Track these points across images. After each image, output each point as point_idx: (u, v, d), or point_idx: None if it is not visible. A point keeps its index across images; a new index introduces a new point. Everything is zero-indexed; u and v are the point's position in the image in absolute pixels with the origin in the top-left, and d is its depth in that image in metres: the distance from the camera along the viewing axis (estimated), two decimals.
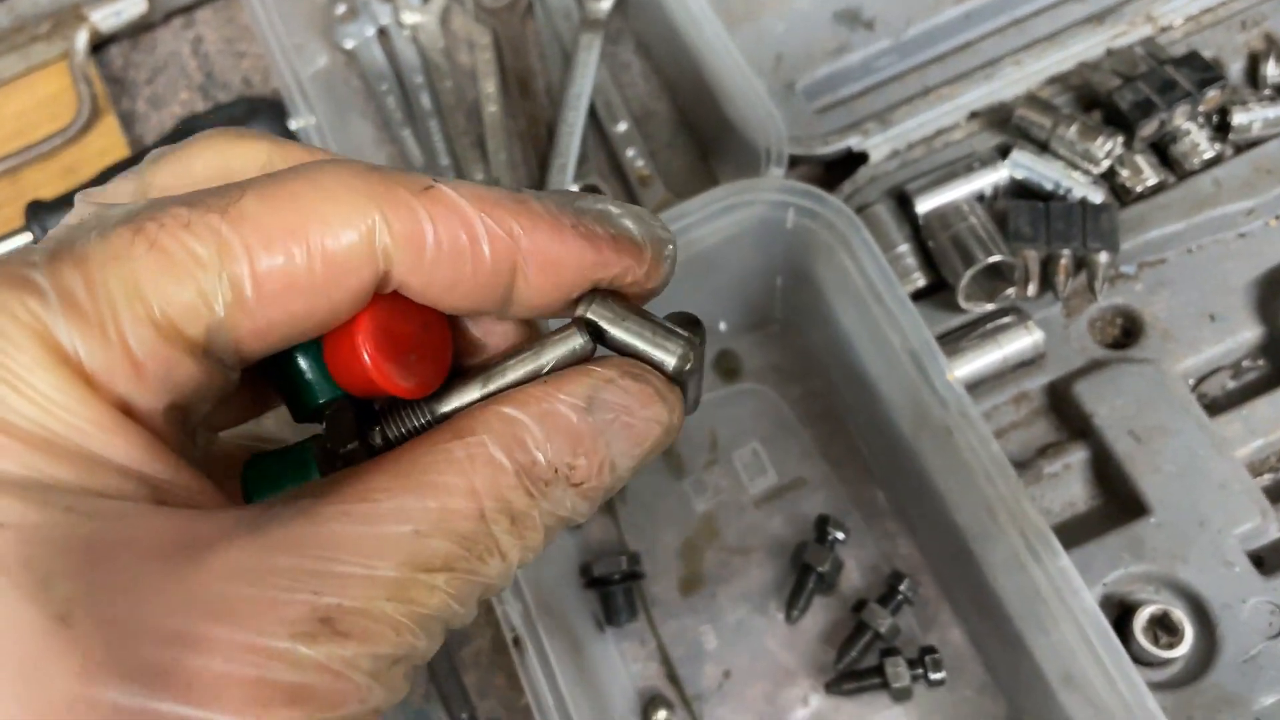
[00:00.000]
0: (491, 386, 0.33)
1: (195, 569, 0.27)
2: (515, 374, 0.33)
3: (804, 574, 0.68)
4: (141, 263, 0.28)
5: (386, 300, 0.31)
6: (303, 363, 0.34)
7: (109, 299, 0.28)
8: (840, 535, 0.69)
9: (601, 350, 0.34)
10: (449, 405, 0.33)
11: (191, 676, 0.26)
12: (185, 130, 0.83)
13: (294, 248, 0.29)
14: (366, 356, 0.31)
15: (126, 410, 0.29)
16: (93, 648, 0.25)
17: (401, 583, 0.28)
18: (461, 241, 0.30)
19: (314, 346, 0.33)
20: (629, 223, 0.33)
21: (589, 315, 0.33)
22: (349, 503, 0.29)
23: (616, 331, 0.33)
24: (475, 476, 0.30)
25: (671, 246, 0.35)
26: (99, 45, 0.93)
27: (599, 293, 0.33)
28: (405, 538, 0.29)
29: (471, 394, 0.33)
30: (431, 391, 0.33)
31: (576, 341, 0.33)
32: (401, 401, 0.33)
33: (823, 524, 0.69)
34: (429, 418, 0.33)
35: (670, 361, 0.33)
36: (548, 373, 0.33)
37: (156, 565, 0.27)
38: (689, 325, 0.34)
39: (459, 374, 0.34)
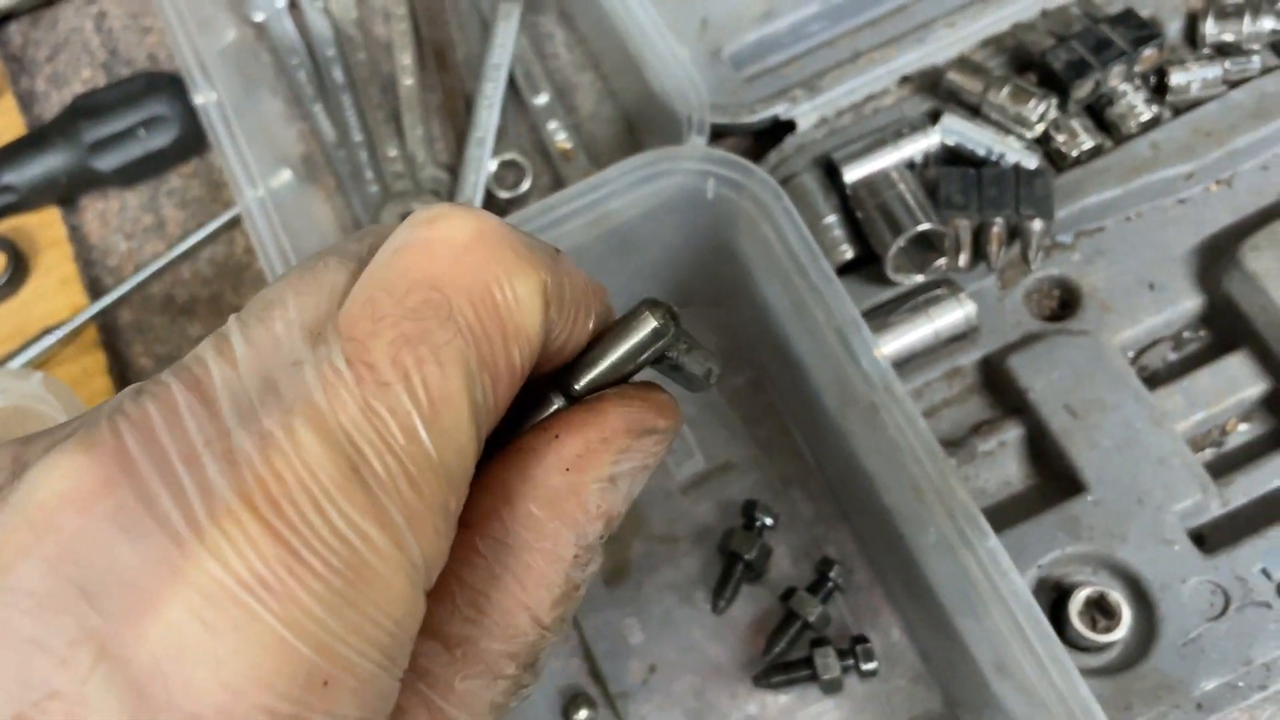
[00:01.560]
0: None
1: None
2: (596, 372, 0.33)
3: (731, 562, 0.65)
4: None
5: None
6: None
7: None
8: (768, 521, 0.66)
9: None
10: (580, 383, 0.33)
11: None
12: (80, 108, 0.78)
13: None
14: None
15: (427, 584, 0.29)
16: None
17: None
18: (580, 303, 0.31)
19: None
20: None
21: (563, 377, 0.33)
22: (436, 650, 0.30)
23: (595, 372, 0.33)
24: (531, 597, 0.31)
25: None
26: (1, 21, 0.88)
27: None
28: (491, 686, 0.31)
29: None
30: None
31: (556, 403, 0.33)
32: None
33: (750, 509, 0.66)
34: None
35: (653, 338, 0.33)
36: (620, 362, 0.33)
37: None
38: (662, 311, 0.34)
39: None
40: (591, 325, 0.32)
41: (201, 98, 0.73)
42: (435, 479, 0.27)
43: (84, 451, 0.26)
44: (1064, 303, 0.69)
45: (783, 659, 0.64)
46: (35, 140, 0.78)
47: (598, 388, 0.33)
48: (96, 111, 0.78)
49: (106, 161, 0.77)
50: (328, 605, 0.25)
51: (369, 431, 0.26)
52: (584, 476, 0.31)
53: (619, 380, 0.33)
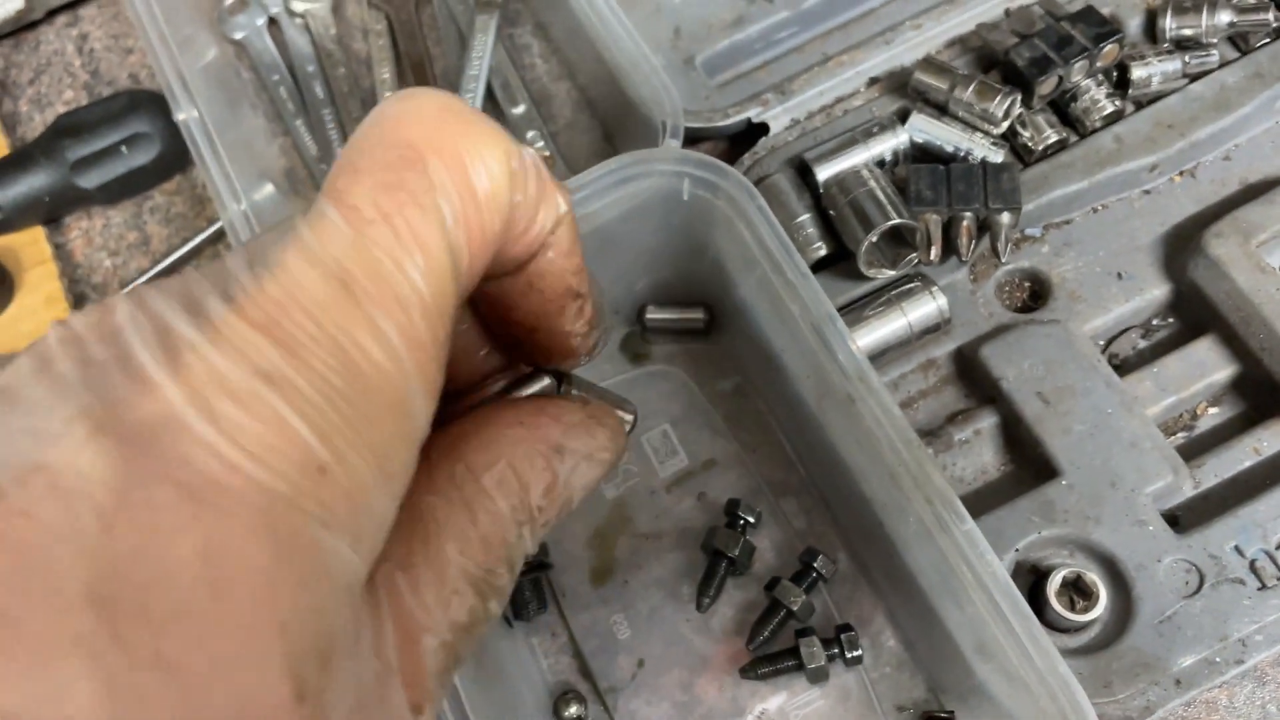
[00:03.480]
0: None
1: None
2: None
3: (714, 561, 0.66)
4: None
5: None
6: None
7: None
8: (751, 519, 0.67)
9: None
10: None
11: None
12: (62, 127, 0.79)
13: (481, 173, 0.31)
14: None
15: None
16: None
17: (448, 645, 0.33)
18: (543, 193, 0.33)
19: None
20: (596, 290, 0.39)
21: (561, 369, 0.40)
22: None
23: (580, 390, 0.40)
24: (481, 527, 0.33)
25: (604, 339, 0.41)
26: None
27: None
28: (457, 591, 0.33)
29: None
30: None
31: (543, 380, 0.39)
32: None
33: (733, 508, 0.67)
34: None
35: (628, 420, 0.41)
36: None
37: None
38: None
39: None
40: (550, 225, 0.34)
41: (183, 115, 0.74)
42: (422, 308, 0.29)
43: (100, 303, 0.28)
44: (1034, 294, 0.70)
45: (768, 650, 0.65)
46: (18, 160, 0.79)
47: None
48: (79, 130, 0.79)
49: (90, 179, 0.78)
50: (326, 397, 0.26)
51: (357, 258, 0.28)
52: (535, 432, 0.35)
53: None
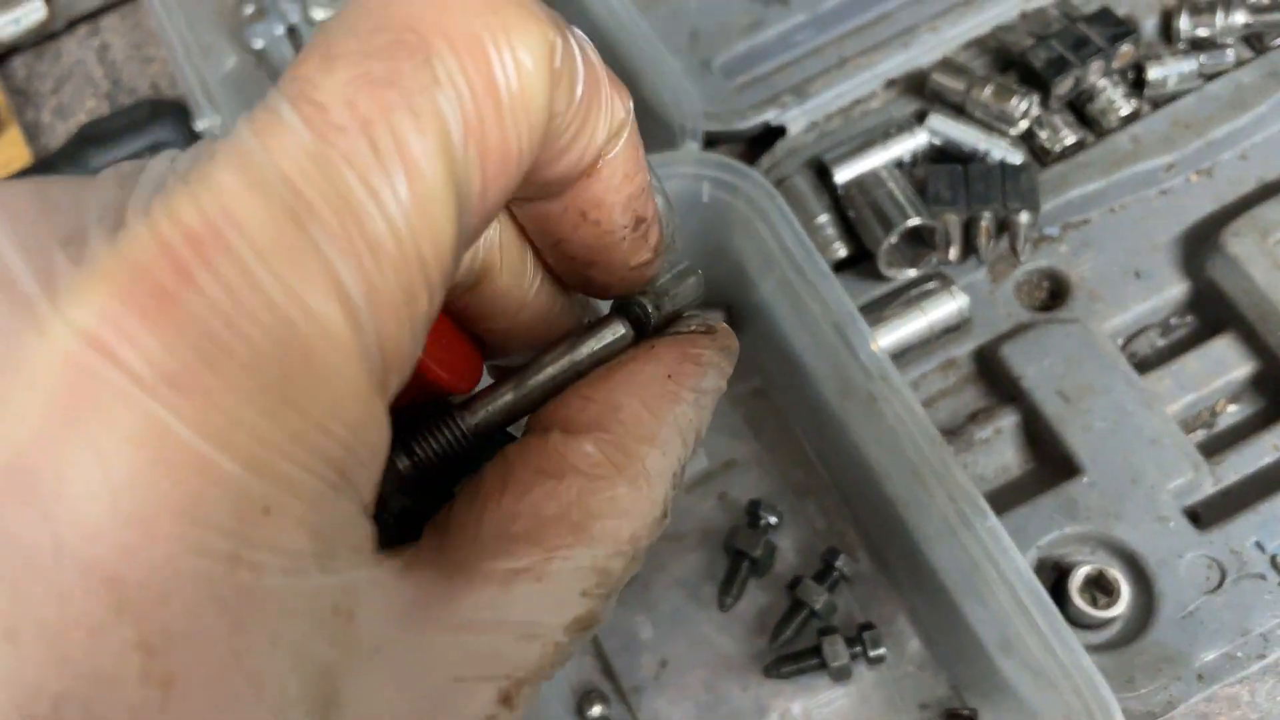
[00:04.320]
0: (525, 389, 0.30)
1: (417, 649, 0.24)
2: (549, 372, 0.30)
3: (736, 561, 0.67)
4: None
5: None
6: None
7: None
8: (772, 519, 0.67)
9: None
10: (481, 414, 0.30)
11: None
12: (86, 137, 0.80)
13: (497, 65, 0.23)
14: None
15: (386, 393, 0.23)
16: None
17: (563, 648, 0.27)
18: (595, 100, 0.26)
19: None
20: (660, 199, 0.32)
21: (636, 300, 0.32)
22: (533, 559, 0.26)
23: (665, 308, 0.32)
24: (636, 521, 0.28)
25: (671, 256, 0.33)
26: (3, 56, 0.90)
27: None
28: (574, 599, 0.27)
29: (505, 398, 0.30)
30: (470, 389, 0.30)
31: (618, 330, 0.31)
32: (430, 413, 0.30)
33: (754, 508, 0.67)
34: (463, 428, 0.30)
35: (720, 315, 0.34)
36: (585, 368, 0.31)
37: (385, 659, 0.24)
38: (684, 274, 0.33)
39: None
40: (604, 139, 0.27)
41: (204, 123, 0.75)
42: (401, 253, 0.21)
43: None
44: (1053, 293, 0.70)
45: (791, 649, 0.65)
46: (43, 169, 0.80)
47: (659, 319, 0.32)
48: (102, 139, 0.80)
49: None
50: (260, 405, 0.19)
51: (316, 179, 0.20)
52: (683, 385, 0.29)
53: (679, 314, 0.33)
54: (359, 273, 0.21)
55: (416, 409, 0.29)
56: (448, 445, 0.30)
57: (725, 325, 0.33)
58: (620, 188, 0.28)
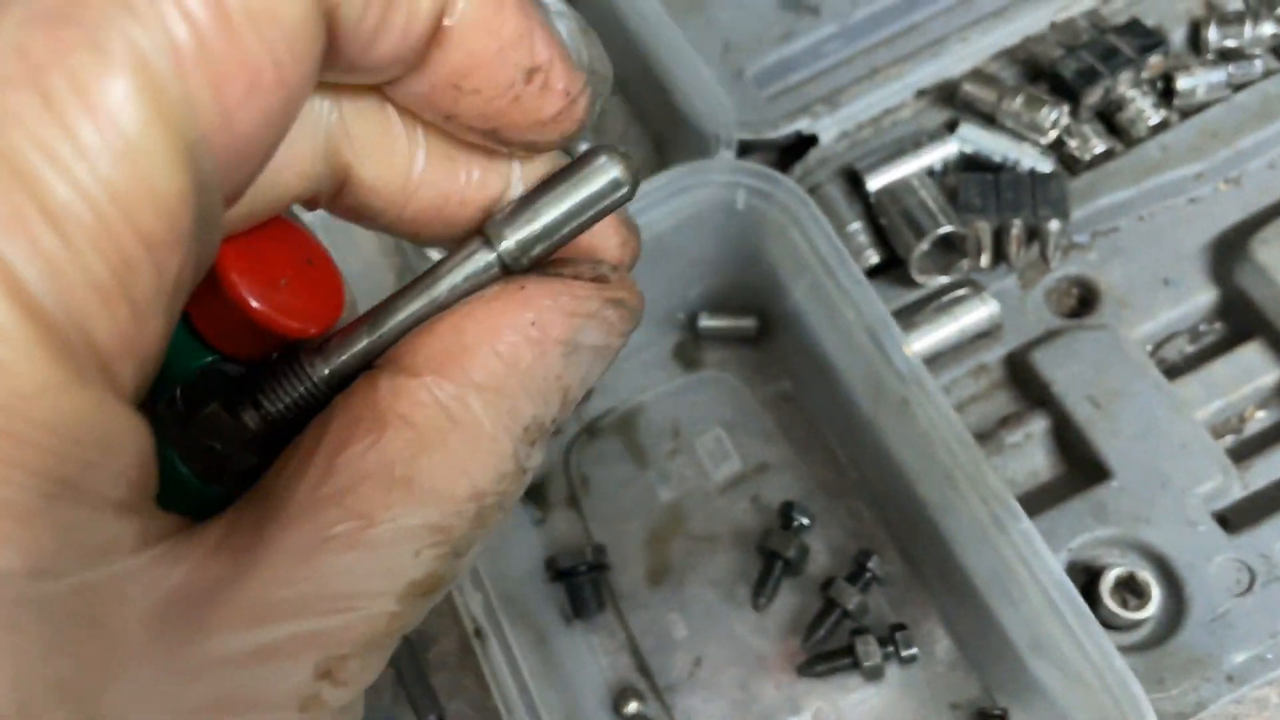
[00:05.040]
0: (380, 330, 0.27)
1: (195, 644, 0.22)
2: (407, 310, 0.26)
3: (770, 561, 0.68)
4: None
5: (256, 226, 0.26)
6: None
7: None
8: (805, 520, 0.68)
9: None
10: (332, 362, 0.27)
11: None
12: None
13: None
14: (238, 284, 0.25)
15: (109, 385, 0.20)
16: None
17: (399, 615, 0.24)
18: None
19: None
20: (565, 26, 0.27)
21: (492, 225, 0.26)
22: (347, 522, 0.23)
23: (537, 224, 0.26)
24: (478, 472, 0.25)
25: (602, 88, 0.28)
26: None
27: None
28: (406, 562, 0.24)
29: (359, 343, 0.27)
30: (323, 331, 0.27)
31: (481, 259, 0.26)
32: (279, 360, 0.27)
33: (788, 510, 0.69)
34: (314, 377, 0.27)
35: (622, 189, 0.26)
36: (445, 303, 0.27)
37: (147, 653, 0.21)
38: (622, 161, 0.27)
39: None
40: (431, 8, 0.23)
41: None
42: (100, 220, 0.19)
43: None
44: (1082, 300, 0.71)
45: (823, 648, 0.66)
46: None
47: (534, 248, 0.26)
48: None
49: None
50: None
51: None
52: (548, 334, 0.26)
53: (556, 243, 0.27)
54: (32, 251, 0.18)
55: (269, 358, 0.27)
56: (299, 396, 0.27)
57: (625, 277, 0.28)
58: (484, 46, 0.24)
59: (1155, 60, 0.71)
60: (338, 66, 0.23)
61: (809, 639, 0.66)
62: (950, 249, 0.69)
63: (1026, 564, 0.56)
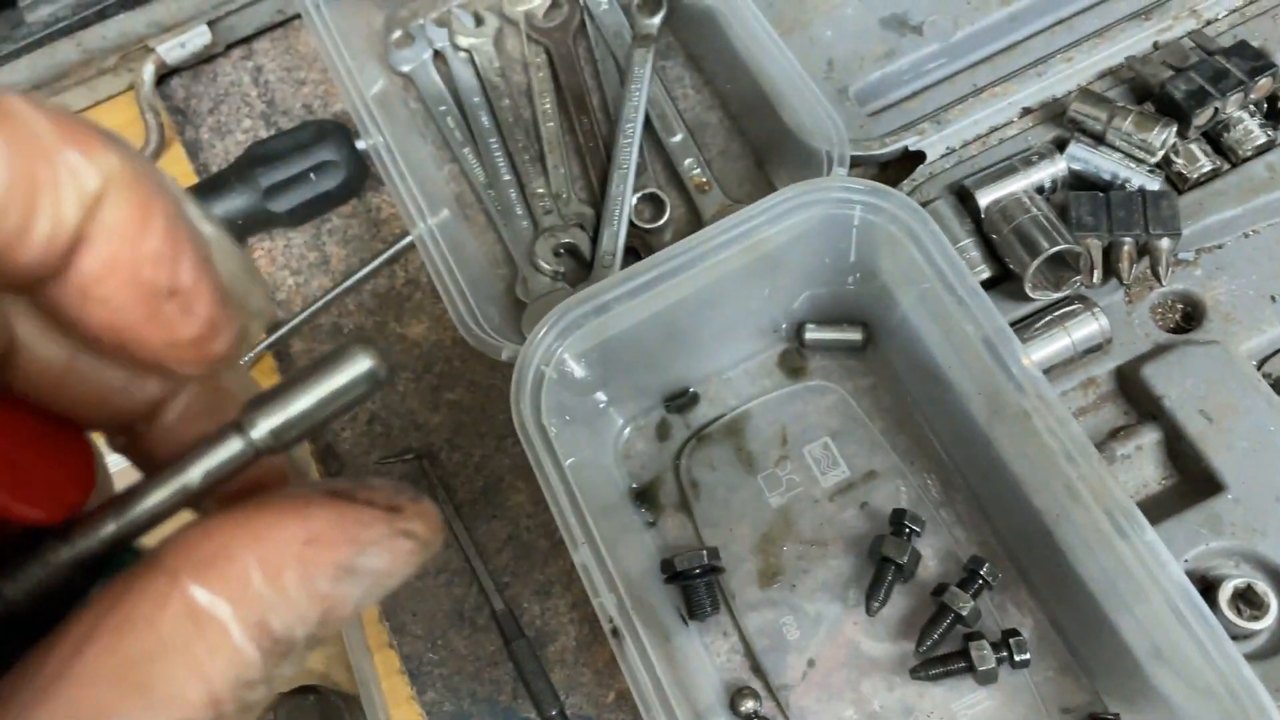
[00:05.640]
0: (129, 517, 0.26)
1: None
2: (157, 497, 0.26)
3: (882, 566, 0.70)
4: None
5: None
6: None
7: None
8: (917, 528, 0.70)
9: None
10: (76, 549, 0.26)
11: None
12: (256, 155, 0.85)
13: None
14: None
15: None
16: None
17: None
18: (39, 174, 0.22)
19: None
20: (228, 262, 0.26)
21: (246, 412, 0.26)
22: None
23: (291, 411, 0.26)
24: (217, 679, 0.24)
25: (255, 325, 0.28)
26: (162, 78, 0.96)
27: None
28: None
29: (106, 530, 0.26)
30: (77, 503, 0.27)
31: (234, 445, 0.26)
32: (20, 544, 0.26)
33: (899, 518, 0.70)
34: (57, 562, 0.26)
35: (374, 380, 0.26)
36: (199, 491, 0.26)
37: None
38: (375, 353, 0.27)
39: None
40: (76, 212, 0.23)
41: (369, 141, 0.79)
42: None
43: None
44: (1186, 315, 0.73)
45: (935, 653, 0.68)
46: (215, 185, 0.85)
47: (288, 435, 0.26)
48: (271, 158, 0.85)
49: (281, 204, 0.84)
50: None
51: None
52: (322, 556, 0.25)
53: (310, 429, 0.26)
54: None
55: (7, 541, 0.26)
56: (41, 581, 0.26)
57: (425, 507, 0.28)
58: (122, 258, 0.24)
59: (1263, 82, 0.72)
60: None
61: (922, 643, 0.68)
62: (1061, 265, 0.71)
63: (1151, 573, 0.58)
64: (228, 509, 0.26)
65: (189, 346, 0.25)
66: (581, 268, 0.83)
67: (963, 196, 0.74)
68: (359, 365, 0.26)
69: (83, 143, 0.23)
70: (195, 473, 0.26)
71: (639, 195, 0.85)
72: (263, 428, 0.26)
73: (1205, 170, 0.73)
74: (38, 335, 0.26)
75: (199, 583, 0.24)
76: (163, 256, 0.24)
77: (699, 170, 0.86)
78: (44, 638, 0.24)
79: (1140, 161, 0.73)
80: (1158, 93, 0.74)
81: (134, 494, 0.26)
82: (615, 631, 0.61)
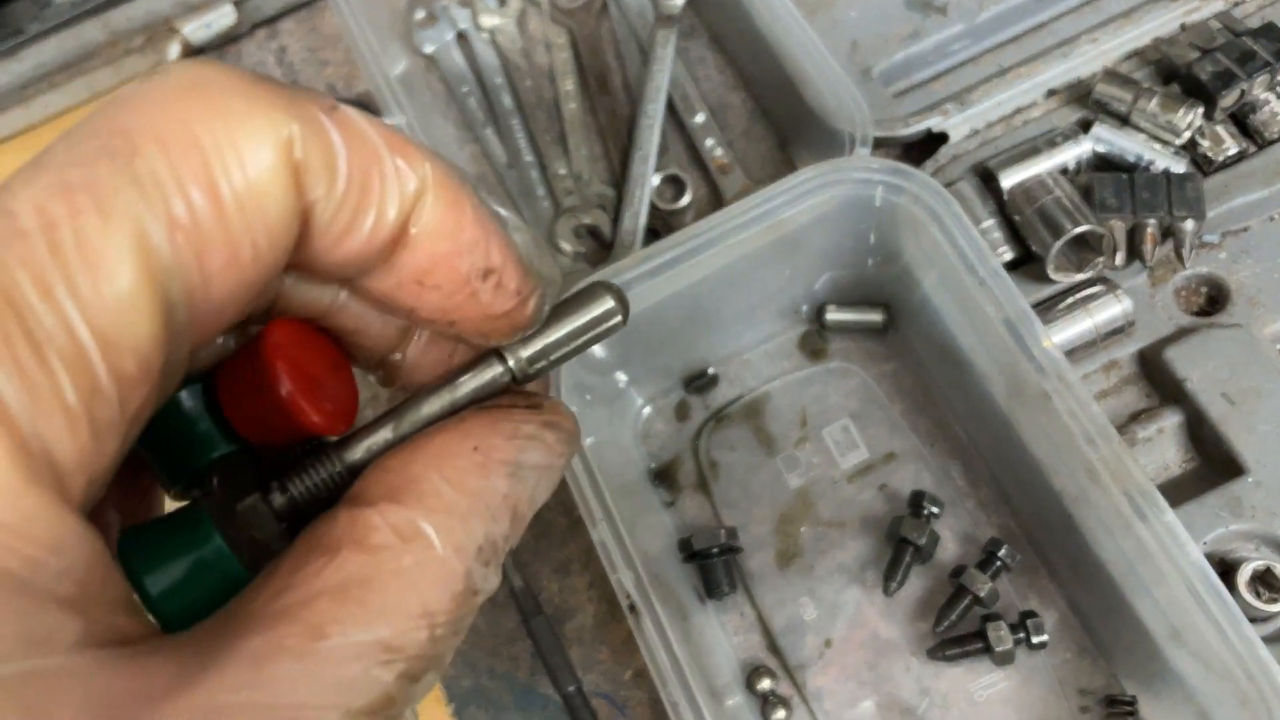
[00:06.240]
0: (405, 428, 0.30)
1: None
2: (429, 410, 0.31)
3: (900, 548, 0.70)
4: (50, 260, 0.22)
5: (288, 324, 0.29)
6: (188, 408, 0.29)
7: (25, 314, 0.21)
8: (936, 509, 0.70)
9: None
10: (359, 452, 0.30)
11: None
12: None
13: (214, 176, 0.23)
14: (284, 381, 0.28)
15: (61, 493, 0.23)
16: None
17: None
18: (371, 178, 0.26)
19: (197, 393, 0.29)
20: (520, 238, 0.30)
21: (511, 350, 0.31)
22: (297, 636, 0.25)
23: (544, 342, 0.31)
24: (429, 591, 0.27)
25: (550, 290, 0.32)
26: (187, 57, 0.97)
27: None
28: (356, 678, 0.25)
29: (383, 436, 0.30)
30: (345, 430, 0.30)
31: (495, 369, 0.31)
32: (306, 450, 0.31)
33: (918, 499, 0.70)
34: (340, 467, 0.30)
35: (616, 318, 0.32)
36: (462, 404, 0.31)
37: None
38: (616, 295, 0.32)
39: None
40: (398, 211, 0.27)
41: (393, 120, 0.80)
42: (78, 351, 0.22)
43: None
44: (1212, 299, 0.73)
45: (953, 634, 0.68)
46: None
47: (539, 363, 0.31)
48: None
49: None
50: None
51: None
52: (491, 458, 0.29)
53: (558, 360, 0.32)
54: (11, 367, 0.21)
55: (296, 449, 0.30)
56: (324, 482, 0.30)
57: (558, 401, 0.33)
58: (445, 249, 0.28)
59: None
60: (308, 258, 0.27)
61: (939, 624, 0.68)
62: (1084, 247, 0.71)
63: (1170, 555, 0.58)
64: (397, 449, 0.29)
65: (503, 318, 0.30)
66: (602, 248, 0.83)
67: (986, 178, 0.74)
68: (603, 304, 0.31)
69: (404, 151, 0.27)
70: (463, 390, 0.31)
71: (660, 176, 0.85)
72: (520, 355, 0.31)
73: (1231, 152, 0.72)
74: (373, 330, 0.32)
75: (398, 505, 0.27)
76: (477, 243, 0.28)
77: (721, 151, 0.86)
78: (274, 562, 0.27)
79: (1165, 143, 0.72)
80: (1184, 74, 0.73)
81: (406, 408, 0.31)
82: (633, 607, 0.61)
